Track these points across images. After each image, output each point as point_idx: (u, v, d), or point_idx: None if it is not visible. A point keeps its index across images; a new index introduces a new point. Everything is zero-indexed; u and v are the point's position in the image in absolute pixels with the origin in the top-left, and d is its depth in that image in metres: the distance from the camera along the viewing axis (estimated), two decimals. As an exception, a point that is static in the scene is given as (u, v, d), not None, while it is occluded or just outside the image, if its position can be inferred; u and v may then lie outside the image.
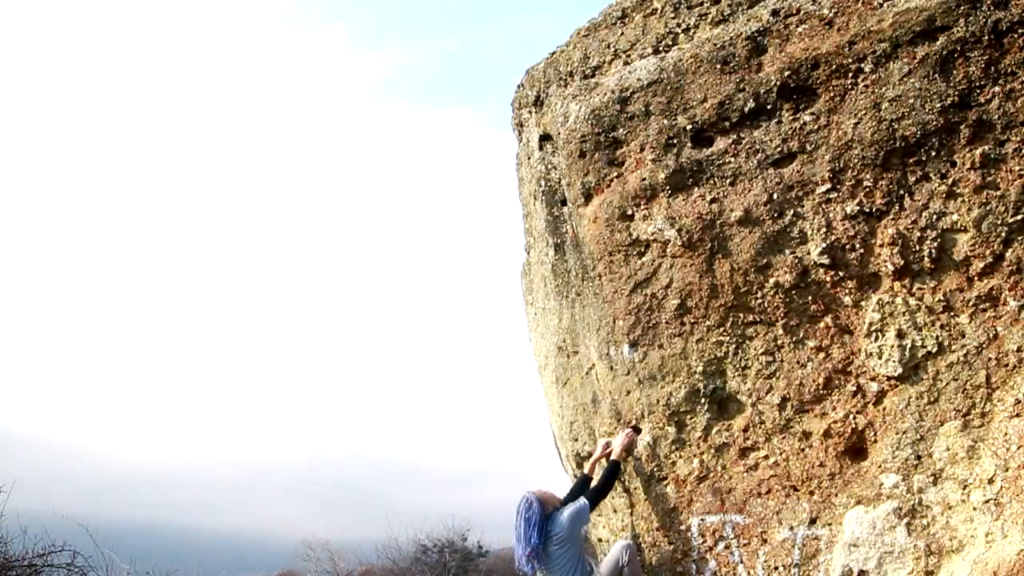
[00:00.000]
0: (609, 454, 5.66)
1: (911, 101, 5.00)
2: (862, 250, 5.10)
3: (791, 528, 5.07)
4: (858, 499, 4.96)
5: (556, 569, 5.40)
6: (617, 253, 5.64)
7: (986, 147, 4.89)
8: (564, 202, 6.18)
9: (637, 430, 5.53)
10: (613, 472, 5.57)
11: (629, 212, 5.63)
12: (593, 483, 5.71)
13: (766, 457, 5.21)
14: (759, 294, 5.29)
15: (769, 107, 5.34)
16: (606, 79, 5.99)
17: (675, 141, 5.54)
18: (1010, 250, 4.83)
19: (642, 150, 5.63)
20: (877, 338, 5.04)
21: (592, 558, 5.86)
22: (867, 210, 5.09)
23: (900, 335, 4.98)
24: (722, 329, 5.36)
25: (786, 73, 5.29)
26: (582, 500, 5.55)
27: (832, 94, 5.19)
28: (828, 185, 5.16)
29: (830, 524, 5.01)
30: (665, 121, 5.59)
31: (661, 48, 5.93)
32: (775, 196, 5.27)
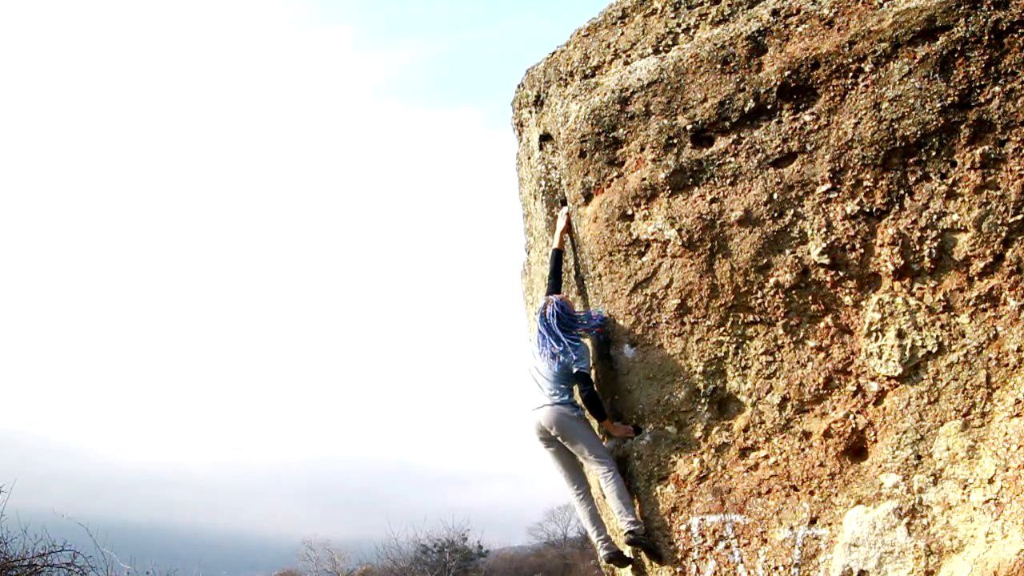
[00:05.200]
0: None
1: (911, 101, 5.00)
2: (862, 250, 5.10)
3: (791, 528, 5.07)
4: (858, 499, 4.96)
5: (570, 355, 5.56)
6: (617, 253, 5.64)
7: (986, 147, 4.89)
8: (564, 202, 6.18)
9: (638, 430, 5.53)
10: (590, 398, 5.56)
11: (629, 212, 5.63)
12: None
13: (766, 457, 5.21)
14: (759, 294, 5.29)
15: (769, 107, 5.34)
16: (606, 79, 5.99)
17: (675, 141, 5.55)
18: (1010, 250, 4.83)
19: (642, 150, 5.63)
20: (877, 338, 5.04)
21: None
22: (867, 210, 5.10)
23: (900, 335, 4.98)
24: (722, 329, 5.36)
25: (786, 73, 5.30)
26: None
27: (832, 94, 5.20)
28: (828, 185, 5.17)
29: (830, 524, 5.00)
30: (665, 121, 5.59)
31: (661, 48, 5.93)
32: (775, 196, 5.27)
